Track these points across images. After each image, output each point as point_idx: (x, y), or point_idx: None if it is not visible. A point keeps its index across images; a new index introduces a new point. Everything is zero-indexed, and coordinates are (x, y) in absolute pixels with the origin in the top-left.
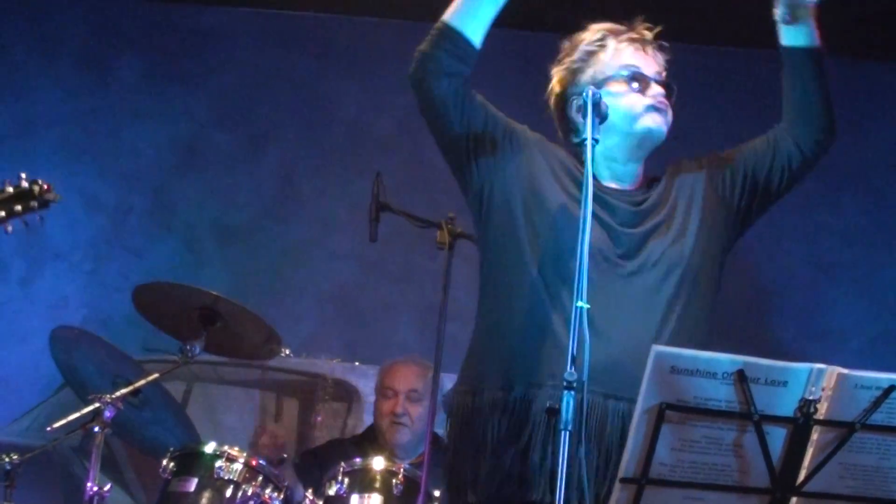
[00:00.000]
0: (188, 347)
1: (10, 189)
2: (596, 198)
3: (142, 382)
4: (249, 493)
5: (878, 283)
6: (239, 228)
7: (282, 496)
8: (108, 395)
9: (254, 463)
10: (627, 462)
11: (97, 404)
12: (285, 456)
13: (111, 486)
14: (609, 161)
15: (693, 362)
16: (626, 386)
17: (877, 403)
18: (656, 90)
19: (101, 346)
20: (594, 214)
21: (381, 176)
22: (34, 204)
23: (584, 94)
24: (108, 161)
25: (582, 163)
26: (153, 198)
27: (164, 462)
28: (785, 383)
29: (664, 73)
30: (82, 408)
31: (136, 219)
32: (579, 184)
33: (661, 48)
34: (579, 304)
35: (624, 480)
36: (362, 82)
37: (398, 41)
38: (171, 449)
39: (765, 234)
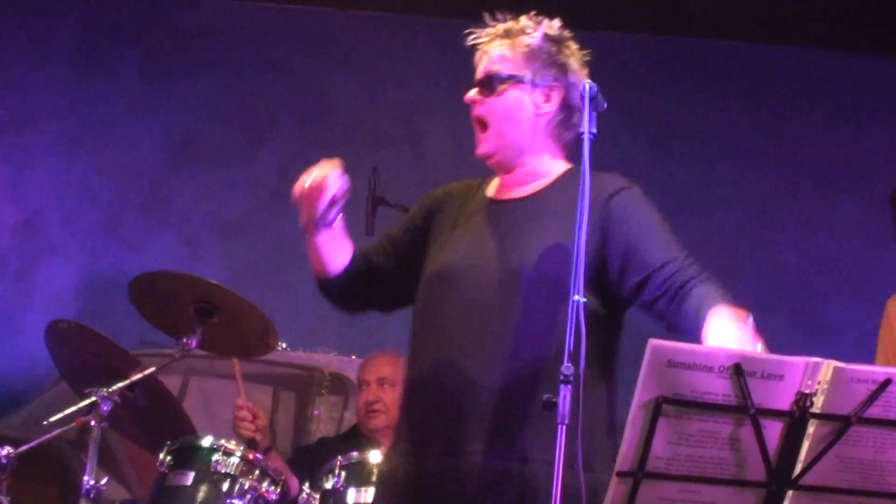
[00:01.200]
0: (184, 341)
1: None
2: None
3: (138, 376)
4: (247, 486)
5: (871, 277)
6: (236, 223)
7: (279, 489)
8: (105, 389)
9: (251, 457)
10: (624, 456)
11: (93, 398)
12: (270, 445)
13: (108, 480)
14: None
15: (690, 356)
16: None
17: (872, 397)
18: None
19: (97, 339)
20: None
21: (377, 170)
22: None
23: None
24: (105, 155)
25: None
26: (150, 192)
27: (161, 456)
28: (781, 377)
29: (487, 67)
30: (79, 401)
31: (133, 213)
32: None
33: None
34: (576, 297)
35: (620, 474)
36: (359, 77)
37: (395, 36)
38: (168, 442)
39: (760, 229)
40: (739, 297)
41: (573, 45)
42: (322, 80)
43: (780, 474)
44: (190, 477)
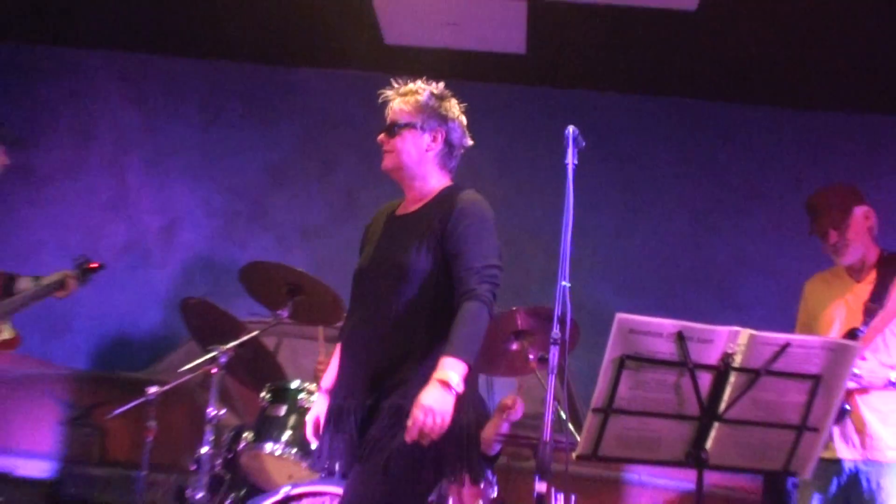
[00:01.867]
0: (278, 313)
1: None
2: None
3: (246, 337)
4: None
5: (780, 267)
6: (314, 228)
7: None
8: (222, 346)
9: None
10: (596, 397)
11: (214, 353)
12: None
13: (225, 411)
14: None
15: (646, 325)
16: None
17: (776, 356)
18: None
19: (216, 311)
20: None
21: None
22: (92, 271)
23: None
24: (221, 179)
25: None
26: (253, 205)
27: (262, 394)
28: (711, 341)
29: (391, 117)
30: (204, 355)
31: (241, 220)
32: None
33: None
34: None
35: (595, 410)
36: None
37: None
38: (267, 385)
39: (697, 231)
40: (685, 284)
41: (453, 100)
42: (375, 125)
43: (709, 411)
44: (283, 409)
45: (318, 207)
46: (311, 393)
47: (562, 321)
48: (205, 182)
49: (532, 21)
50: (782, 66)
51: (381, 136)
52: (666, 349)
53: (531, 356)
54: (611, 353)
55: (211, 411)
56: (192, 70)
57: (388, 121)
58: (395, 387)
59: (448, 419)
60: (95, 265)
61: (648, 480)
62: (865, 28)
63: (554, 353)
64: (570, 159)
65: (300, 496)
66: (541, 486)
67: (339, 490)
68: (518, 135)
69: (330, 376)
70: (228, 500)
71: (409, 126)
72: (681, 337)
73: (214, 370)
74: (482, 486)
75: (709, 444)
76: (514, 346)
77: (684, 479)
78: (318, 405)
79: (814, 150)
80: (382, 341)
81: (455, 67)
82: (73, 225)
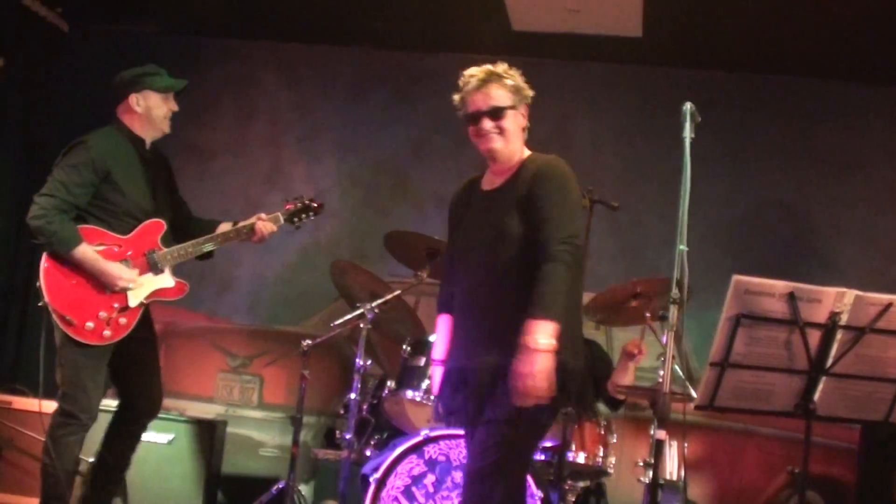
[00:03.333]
0: (418, 273)
1: (300, 204)
2: None
3: (389, 296)
4: None
5: (877, 234)
6: (449, 197)
7: None
8: (368, 304)
9: None
10: (714, 352)
11: (361, 310)
12: None
13: (370, 362)
14: None
15: (760, 286)
16: None
17: (880, 314)
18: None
19: (362, 272)
20: None
21: None
22: (312, 213)
23: None
24: (366, 153)
25: None
26: (394, 177)
27: (404, 346)
28: (820, 301)
29: (496, 101)
30: (351, 312)
31: (384, 191)
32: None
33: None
34: (681, 247)
35: (713, 364)
36: (530, 104)
37: (553, 77)
38: (408, 338)
39: (797, 199)
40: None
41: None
42: None
43: (817, 365)
44: (422, 360)
45: (451, 179)
46: None
47: (679, 282)
48: (351, 157)
49: (647, 6)
50: (881, 45)
51: (486, 121)
52: (778, 308)
53: (647, 313)
54: (728, 311)
55: (358, 362)
56: (340, 57)
57: (485, 106)
58: (513, 347)
59: (546, 377)
60: (315, 205)
61: (754, 429)
62: None
63: (672, 312)
64: (687, 133)
65: (437, 438)
66: (660, 434)
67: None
68: (634, 112)
69: (440, 347)
70: (373, 441)
71: (512, 107)
72: (792, 297)
73: (362, 325)
74: (602, 430)
75: (816, 396)
76: (634, 304)
77: (786, 428)
78: (436, 377)
79: None
80: (495, 305)
81: (576, 50)
82: (235, 196)
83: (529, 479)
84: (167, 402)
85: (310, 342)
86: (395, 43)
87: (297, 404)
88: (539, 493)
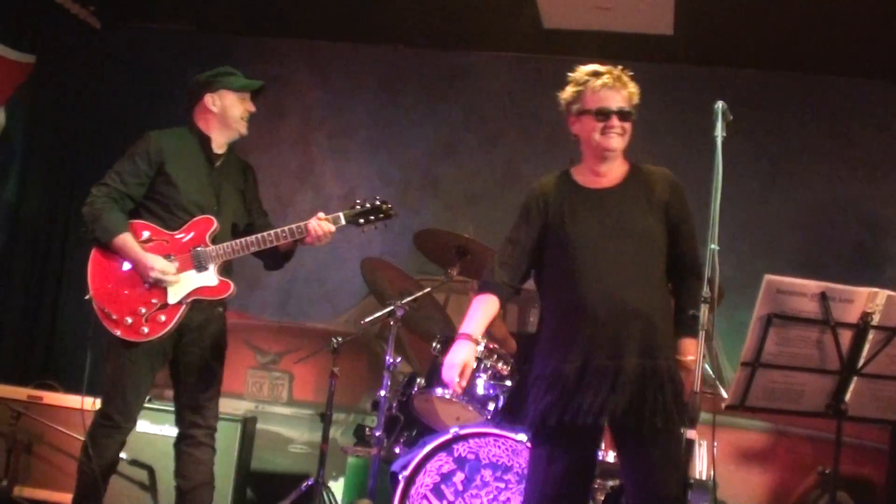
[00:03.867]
0: (448, 271)
1: (368, 205)
2: None
3: (419, 294)
4: (489, 364)
5: None
6: (479, 195)
7: (508, 368)
8: (398, 301)
9: (491, 346)
10: (745, 352)
11: (391, 307)
12: (507, 337)
13: (400, 359)
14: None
15: (792, 286)
16: None
17: None
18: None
19: (393, 269)
20: None
21: (573, 160)
22: (381, 216)
23: None
24: (396, 151)
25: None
26: (424, 175)
27: (434, 344)
28: (852, 301)
29: (628, 104)
30: (381, 309)
31: (414, 189)
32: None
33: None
34: (713, 246)
35: (744, 364)
36: (559, 101)
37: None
38: (438, 336)
39: (830, 198)
40: (820, 248)
41: None
42: (534, 101)
43: (849, 366)
44: None
45: (481, 177)
46: (476, 343)
47: (710, 281)
48: (381, 155)
49: (679, 4)
50: None
51: (616, 120)
52: (810, 308)
53: None
54: (759, 311)
55: (388, 359)
56: (370, 55)
57: (618, 106)
58: (653, 349)
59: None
60: (386, 208)
61: (784, 429)
62: None
63: (703, 312)
64: (719, 132)
65: (467, 436)
66: (689, 434)
67: (500, 432)
68: (666, 110)
69: (479, 325)
70: (402, 438)
71: (634, 113)
72: (824, 297)
73: (392, 322)
74: None
75: (848, 396)
76: None
77: (816, 428)
78: (465, 350)
79: None
80: (646, 308)
81: (607, 48)
82: (266, 193)
83: None
84: None
85: (340, 339)
86: (425, 41)
87: (326, 401)
88: None
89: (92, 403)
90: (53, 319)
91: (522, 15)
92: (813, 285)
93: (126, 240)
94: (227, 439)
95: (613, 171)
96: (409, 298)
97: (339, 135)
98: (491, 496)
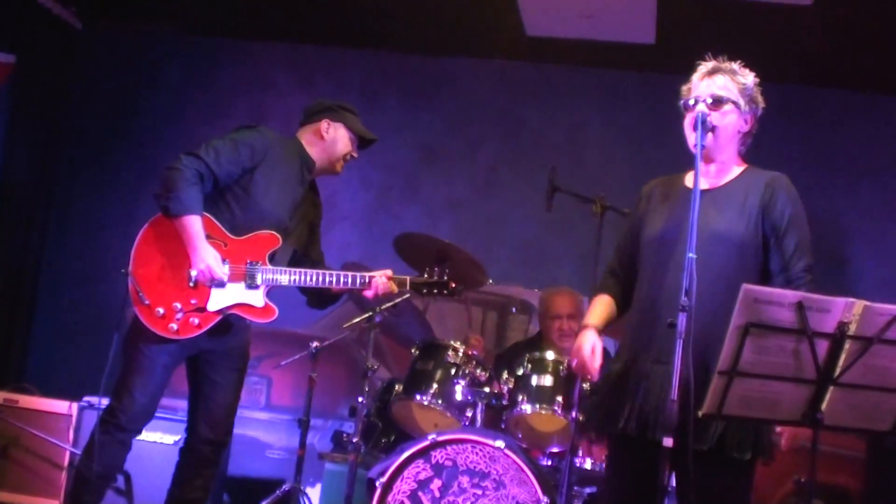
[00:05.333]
0: None
1: (436, 278)
2: None
3: (399, 299)
4: (467, 371)
5: (888, 243)
6: (461, 201)
7: (487, 374)
8: (377, 307)
9: (470, 352)
10: (722, 360)
11: (370, 312)
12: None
13: (379, 365)
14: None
15: (769, 296)
16: None
17: (888, 324)
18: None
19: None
20: None
21: (555, 168)
22: (445, 291)
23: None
24: (377, 157)
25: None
26: (405, 181)
27: (413, 350)
28: (829, 311)
29: (720, 91)
30: (360, 315)
31: (395, 194)
32: None
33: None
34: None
35: (720, 372)
36: (542, 110)
37: (567, 83)
38: (417, 342)
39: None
40: None
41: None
42: (515, 110)
43: (825, 375)
44: (431, 364)
45: (462, 183)
46: (456, 350)
47: (688, 290)
48: (362, 159)
49: (661, 13)
50: (887, 55)
51: (703, 106)
52: (787, 318)
53: None
54: (736, 320)
55: (366, 365)
56: (353, 59)
57: (706, 95)
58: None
59: None
60: (451, 286)
61: None
62: None
63: (681, 320)
64: (699, 141)
65: (444, 443)
66: (667, 441)
67: (479, 438)
68: (647, 119)
69: (598, 316)
70: (380, 445)
71: (734, 103)
72: (801, 307)
73: (370, 328)
74: None
75: (824, 405)
76: None
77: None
78: (591, 336)
79: None
80: (716, 309)
81: (590, 57)
82: None
83: (536, 484)
84: (175, 402)
85: (318, 344)
86: (408, 46)
87: (304, 406)
88: (545, 499)
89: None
90: (29, 324)
91: (506, 22)
92: (790, 295)
93: (195, 222)
94: None
95: (721, 172)
96: (388, 304)
97: None
98: (468, 503)
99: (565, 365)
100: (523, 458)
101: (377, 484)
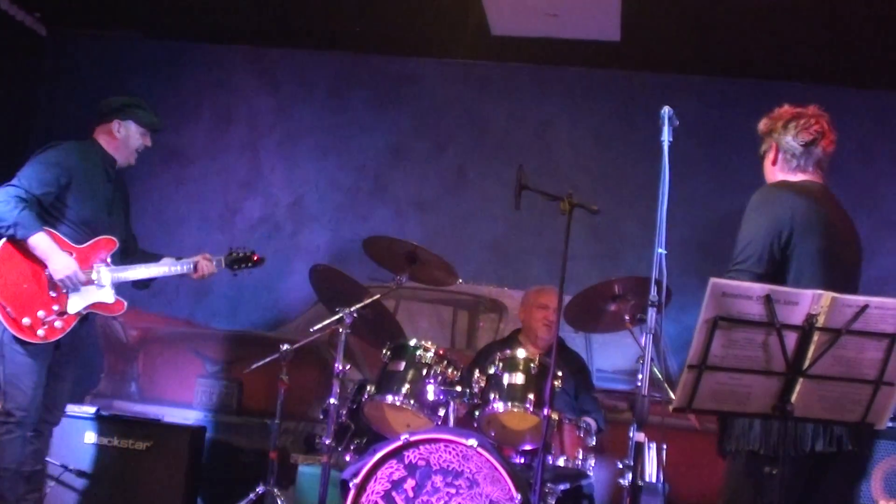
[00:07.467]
0: (398, 278)
1: (240, 253)
2: None
3: (369, 300)
4: (438, 371)
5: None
6: (429, 202)
7: (459, 374)
8: (347, 309)
9: (441, 351)
10: (692, 355)
11: (340, 314)
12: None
13: (350, 367)
14: None
15: (737, 289)
16: None
17: (856, 316)
18: None
19: (341, 277)
20: None
21: (522, 167)
22: (250, 264)
23: None
24: (345, 158)
25: None
26: (374, 181)
27: (384, 351)
28: (797, 303)
29: None
30: (331, 316)
31: (364, 195)
32: None
33: None
34: (660, 250)
35: (690, 367)
36: (509, 109)
37: (533, 83)
38: (388, 343)
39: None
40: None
41: (778, 114)
42: (484, 110)
43: (794, 367)
44: (402, 365)
45: (431, 183)
46: (426, 350)
47: (658, 285)
48: (331, 161)
49: (625, 10)
50: (856, 49)
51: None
52: (755, 311)
53: (626, 317)
54: (705, 314)
55: (337, 367)
56: (320, 61)
57: None
58: None
59: None
60: (255, 258)
61: None
62: None
63: (651, 315)
64: (666, 137)
65: (417, 443)
66: (638, 436)
67: (452, 437)
68: (613, 116)
69: None
70: (353, 446)
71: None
72: (769, 299)
73: (341, 329)
74: (581, 433)
75: (794, 397)
76: (612, 308)
77: None
78: None
79: (885, 127)
80: None
81: (555, 55)
82: (213, 200)
83: (509, 481)
84: (147, 407)
85: (289, 347)
86: (374, 47)
87: (276, 409)
88: (519, 497)
89: None
90: None
91: (471, 22)
92: (758, 288)
93: (43, 238)
94: (176, 448)
95: None
96: (358, 305)
97: (288, 141)
98: (442, 502)
99: (536, 363)
100: (496, 456)
101: (351, 485)
